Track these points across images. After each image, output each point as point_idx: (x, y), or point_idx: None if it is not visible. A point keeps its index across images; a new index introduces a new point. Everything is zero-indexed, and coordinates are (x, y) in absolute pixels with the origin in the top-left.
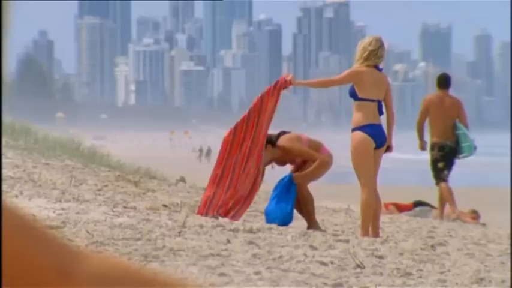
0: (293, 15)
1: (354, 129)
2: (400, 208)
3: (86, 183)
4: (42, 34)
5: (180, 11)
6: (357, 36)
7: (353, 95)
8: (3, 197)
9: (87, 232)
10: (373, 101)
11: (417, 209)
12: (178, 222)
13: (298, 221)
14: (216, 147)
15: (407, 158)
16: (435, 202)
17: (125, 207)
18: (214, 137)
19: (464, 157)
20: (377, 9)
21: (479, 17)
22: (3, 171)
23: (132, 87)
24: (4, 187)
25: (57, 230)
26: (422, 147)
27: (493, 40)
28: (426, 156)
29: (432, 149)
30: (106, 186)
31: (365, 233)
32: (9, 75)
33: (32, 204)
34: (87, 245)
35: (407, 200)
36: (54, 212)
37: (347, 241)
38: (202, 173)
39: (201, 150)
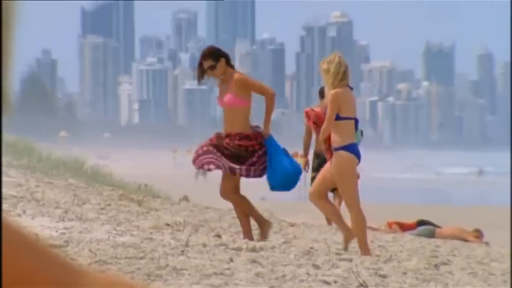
0: (296, 34)
1: (337, 149)
2: (403, 227)
3: (89, 202)
4: (46, 53)
5: (183, 29)
6: (360, 55)
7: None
8: (6, 215)
9: (90, 251)
10: (352, 119)
11: (420, 228)
12: (181, 241)
13: (300, 240)
14: None
15: (410, 176)
16: (438, 221)
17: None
18: None
19: None
20: (380, 28)
21: (481, 36)
22: (6, 190)
23: (136, 106)
24: (7, 206)
25: (60, 249)
26: (305, 167)
27: (496, 59)
28: (427, 175)
29: (314, 157)
30: (109, 205)
31: (365, 251)
32: (13, 94)
33: (35, 223)
34: (90, 264)
35: (411, 219)
36: (57, 231)
37: (350, 260)
38: (205, 192)
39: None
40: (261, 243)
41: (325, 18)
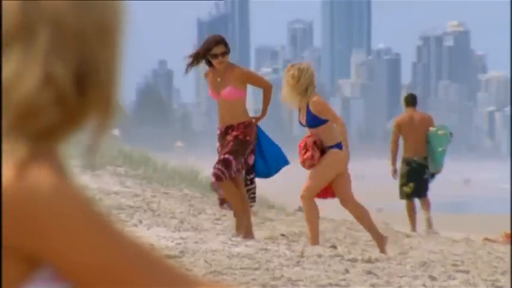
0: (412, 44)
1: (332, 147)
2: None
3: (205, 212)
4: (162, 64)
5: (299, 39)
6: (477, 65)
7: (318, 121)
8: (123, 225)
9: (206, 261)
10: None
11: None
12: (297, 252)
13: (417, 251)
14: None
15: None
16: None
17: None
18: None
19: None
20: (497, 38)
21: None
22: (122, 200)
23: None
24: (123, 216)
25: (176, 259)
26: (393, 175)
27: None
28: None
29: (402, 163)
30: (224, 215)
31: (314, 241)
32: (129, 105)
33: (151, 233)
34: (205, 274)
35: None
36: (172, 241)
37: (467, 272)
38: (320, 203)
39: None
40: (377, 255)
41: (442, 27)
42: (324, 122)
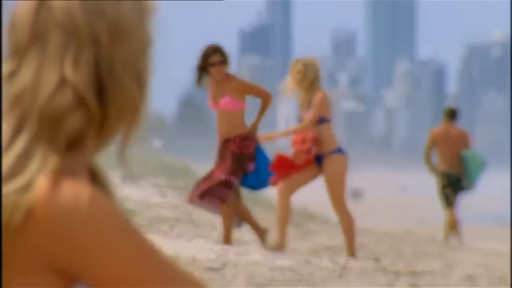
0: (458, 53)
1: (333, 152)
2: None
3: (246, 224)
4: None
5: (342, 49)
6: None
7: (320, 119)
8: (164, 237)
9: (247, 274)
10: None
11: None
12: (339, 265)
13: (462, 264)
14: (374, 189)
15: None
16: None
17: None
18: (374, 178)
19: (468, 186)
20: None
21: None
22: (163, 211)
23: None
24: (164, 227)
25: (217, 272)
26: (432, 170)
27: None
28: None
29: (442, 175)
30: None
31: (351, 252)
32: (170, 116)
33: (192, 246)
34: (246, 287)
35: None
36: (213, 253)
37: None
38: (362, 214)
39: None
40: (421, 267)
41: (488, 36)
42: (325, 120)
